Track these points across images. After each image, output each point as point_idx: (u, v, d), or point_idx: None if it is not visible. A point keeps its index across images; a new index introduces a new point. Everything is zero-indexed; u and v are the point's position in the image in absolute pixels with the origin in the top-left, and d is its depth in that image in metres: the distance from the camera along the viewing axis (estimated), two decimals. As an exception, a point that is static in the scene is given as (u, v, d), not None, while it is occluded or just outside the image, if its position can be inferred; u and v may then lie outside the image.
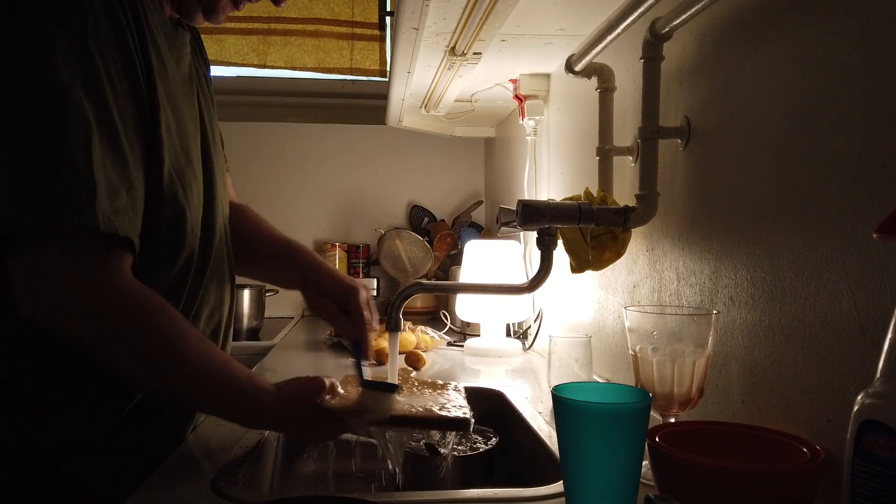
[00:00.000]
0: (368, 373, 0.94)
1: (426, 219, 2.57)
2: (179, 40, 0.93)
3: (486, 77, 1.68)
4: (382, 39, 2.49)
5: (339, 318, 1.04)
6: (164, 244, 0.85)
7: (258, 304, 2.22)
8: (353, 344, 1.04)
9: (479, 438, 1.09)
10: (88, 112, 0.73)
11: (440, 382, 1.02)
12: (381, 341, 1.65)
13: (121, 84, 0.77)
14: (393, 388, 0.90)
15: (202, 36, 1.09)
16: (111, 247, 0.76)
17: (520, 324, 1.85)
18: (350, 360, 1.06)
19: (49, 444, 0.81)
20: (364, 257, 2.51)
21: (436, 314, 2.18)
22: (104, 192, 0.73)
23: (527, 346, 1.73)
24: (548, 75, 1.67)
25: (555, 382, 0.79)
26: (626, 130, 1.17)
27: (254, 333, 2.18)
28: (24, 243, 0.73)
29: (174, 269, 0.86)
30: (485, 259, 1.78)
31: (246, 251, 1.10)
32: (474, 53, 1.38)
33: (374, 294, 2.46)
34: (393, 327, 1.02)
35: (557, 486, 0.77)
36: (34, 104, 0.72)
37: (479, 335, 1.76)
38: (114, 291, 0.76)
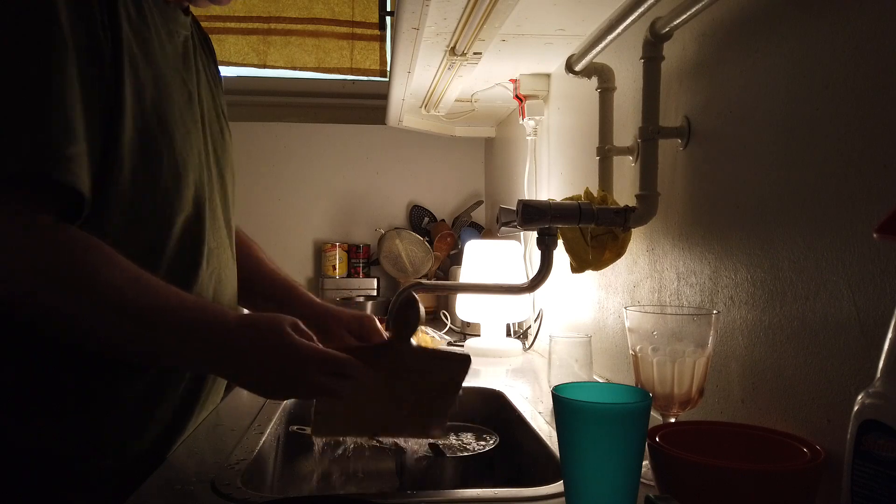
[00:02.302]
0: None
1: (426, 219, 2.57)
2: (172, 17, 0.92)
3: (486, 77, 1.68)
4: (382, 39, 2.49)
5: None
6: (121, 216, 0.81)
7: (258, 303, 2.22)
8: None
9: (477, 439, 1.09)
10: (43, 61, 0.71)
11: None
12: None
13: (80, 39, 0.75)
14: (466, 360, 0.87)
15: (201, 36, 1.09)
16: (52, 195, 0.73)
17: (520, 324, 1.85)
18: None
19: (51, 447, 0.81)
20: (364, 257, 2.51)
21: (436, 314, 2.18)
22: (51, 138, 0.71)
23: (527, 346, 1.73)
24: (548, 75, 1.67)
25: (555, 382, 0.79)
26: (626, 130, 1.17)
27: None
28: None
29: (138, 248, 0.82)
30: (485, 259, 1.78)
31: (246, 290, 1.09)
32: (474, 53, 1.38)
33: (374, 294, 2.47)
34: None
35: (557, 486, 0.77)
36: None
37: (479, 335, 1.76)
38: (43, 235, 0.72)
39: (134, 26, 0.82)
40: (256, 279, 1.11)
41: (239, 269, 1.06)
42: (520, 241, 1.84)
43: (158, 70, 0.86)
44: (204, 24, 1.11)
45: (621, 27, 1.04)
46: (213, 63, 1.08)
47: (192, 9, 1.00)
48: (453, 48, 1.37)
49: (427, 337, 1.75)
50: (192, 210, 0.89)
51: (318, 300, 1.11)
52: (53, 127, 0.71)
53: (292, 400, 1.15)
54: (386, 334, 1.03)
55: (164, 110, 0.85)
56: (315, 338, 0.79)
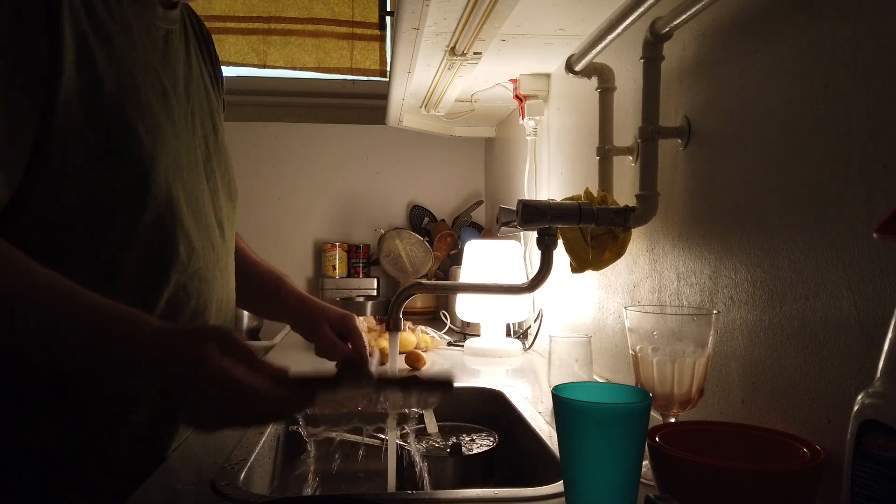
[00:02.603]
0: None
1: (426, 219, 2.57)
2: (150, 11, 0.90)
3: (486, 77, 1.68)
4: (382, 39, 2.49)
5: (339, 343, 1.02)
6: (71, 215, 0.78)
7: (258, 303, 2.22)
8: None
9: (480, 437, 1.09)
10: None
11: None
12: (382, 341, 1.65)
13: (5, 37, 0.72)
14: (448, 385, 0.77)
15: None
16: None
17: (520, 324, 1.85)
18: None
19: (51, 447, 0.81)
20: (364, 257, 2.51)
21: (436, 314, 2.18)
22: None
23: (527, 346, 1.73)
24: (548, 75, 1.67)
25: (555, 382, 0.79)
26: (626, 130, 1.17)
27: (253, 333, 2.18)
28: None
29: (99, 246, 0.80)
30: (485, 259, 1.78)
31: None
32: (474, 53, 1.38)
33: (374, 294, 2.47)
34: (393, 327, 1.02)
35: (557, 486, 0.77)
36: None
37: (479, 335, 1.76)
38: None
39: (94, 21, 0.80)
40: (241, 272, 1.08)
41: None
42: (520, 241, 1.84)
43: (124, 65, 0.83)
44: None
45: (621, 27, 1.04)
46: (213, 62, 1.07)
47: (193, 6, 1.00)
48: (453, 48, 1.37)
49: (427, 337, 1.75)
50: (163, 209, 0.86)
51: (306, 294, 1.10)
52: None
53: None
54: (367, 337, 1.01)
55: (127, 106, 0.83)
56: (250, 350, 0.69)
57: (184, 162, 0.91)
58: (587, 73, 1.20)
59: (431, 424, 1.15)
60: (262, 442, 0.95)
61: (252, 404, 0.66)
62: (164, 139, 0.87)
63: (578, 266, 1.16)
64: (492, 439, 1.09)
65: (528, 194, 1.75)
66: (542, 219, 1.01)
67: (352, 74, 2.51)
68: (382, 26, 2.46)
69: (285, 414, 0.71)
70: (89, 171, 0.79)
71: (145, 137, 0.84)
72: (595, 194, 1.17)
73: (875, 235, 0.50)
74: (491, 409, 1.23)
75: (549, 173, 1.68)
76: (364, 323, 1.79)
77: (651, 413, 0.64)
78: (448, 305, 2.08)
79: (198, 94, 0.98)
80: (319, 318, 1.04)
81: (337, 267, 2.47)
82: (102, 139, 0.80)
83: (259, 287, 1.11)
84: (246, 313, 2.15)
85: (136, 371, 0.70)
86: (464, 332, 1.97)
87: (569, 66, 1.22)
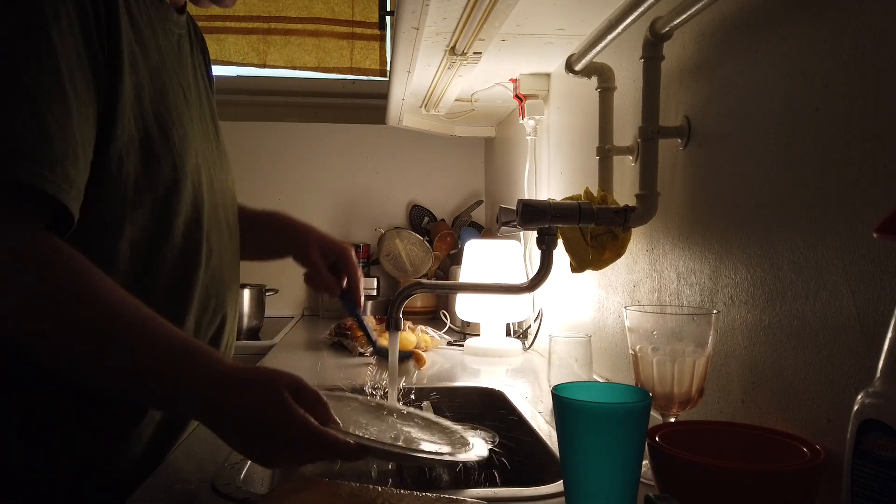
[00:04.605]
0: (372, 325, 0.94)
1: (426, 218, 2.57)
2: (167, 16, 0.91)
3: (486, 77, 1.68)
4: (382, 39, 2.49)
5: (329, 275, 1.10)
6: (125, 221, 0.79)
7: (258, 303, 2.22)
8: (346, 299, 1.11)
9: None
10: (29, 68, 0.68)
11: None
12: (382, 341, 1.65)
13: (73, 41, 0.72)
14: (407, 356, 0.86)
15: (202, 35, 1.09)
16: (37, 205, 0.69)
17: (520, 323, 1.85)
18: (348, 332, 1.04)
19: (51, 449, 0.81)
20: (364, 257, 2.51)
21: (436, 314, 2.18)
22: (32, 149, 0.67)
23: (527, 346, 1.73)
24: (548, 75, 1.67)
25: (555, 382, 0.79)
26: (626, 130, 1.17)
27: (254, 333, 2.18)
28: None
29: (140, 252, 0.81)
30: (485, 259, 1.78)
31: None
32: (474, 53, 1.38)
33: (374, 294, 2.46)
34: (393, 327, 1.02)
35: (557, 486, 0.77)
36: None
37: (479, 335, 1.76)
38: (25, 250, 0.68)
39: (135, 25, 0.82)
40: (240, 215, 1.10)
41: None
42: (520, 241, 1.84)
43: (156, 70, 0.84)
44: (204, 24, 1.11)
45: (621, 27, 1.04)
46: (206, 63, 1.07)
47: (191, 8, 1.00)
48: (453, 48, 1.37)
49: (427, 337, 1.75)
50: (190, 212, 0.88)
51: (302, 222, 1.15)
52: (56, 143, 0.69)
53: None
54: (361, 273, 1.10)
55: (162, 112, 0.84)
56: (319, 398, 0.71)
57: (203, 165, 0.93)
58: (587, 72, 1.20)
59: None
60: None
61: (315, 452, 0.68)
62: (190, 143, 0.89)
63: (578, 266, 1.16)
64: (492, 439, 1.09)
65: (528, 194, 1.75)
66: (541, 218, 1.01)
67: (352, 74, 2.51)
68: (382, 26, 2.45)
69: (335, 460, 0.71)
70: (136, 179, 0.80)
71: (178, 143, 0.86)
72: (595, 194, 1.17)
73: (875, 235, 0.50)
74: (491, 409, 1.23)
75: (549, 173, 1.68)
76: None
77: (651, 413, 0.64)
78: (448, 305, 2.08)
79: (203, 96, 0.99)
80: (312, 243, 1.10)
81: (337, 267, 2.47)
82: (147, 145, 0.81)
83: (255, 224, 1.15)
84: (246, 313, 2.16)
85: (197, 406, 0.71)
86: (464, 331, 1.97)
87: (569, 66, 1.22)
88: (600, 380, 1.26)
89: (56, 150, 0.68)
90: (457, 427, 0.90)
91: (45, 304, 0.67)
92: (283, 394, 0.67)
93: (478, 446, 0.82)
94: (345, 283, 1.13)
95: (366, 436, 0.74)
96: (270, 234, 1.15)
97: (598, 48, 1.13)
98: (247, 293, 2.16)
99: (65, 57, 0.71)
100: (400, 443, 0.82)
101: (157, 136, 0.83)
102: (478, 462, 0.80)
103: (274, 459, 0.72)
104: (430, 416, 0.96)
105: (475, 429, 0.93)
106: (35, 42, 0.69)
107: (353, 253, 1.13)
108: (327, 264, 1.11)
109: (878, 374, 0.51)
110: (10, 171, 0.65)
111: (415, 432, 0.88)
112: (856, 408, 0.51)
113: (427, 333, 1.76)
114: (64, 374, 0.73)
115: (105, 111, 0.76)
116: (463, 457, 0.77)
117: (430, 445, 0.82)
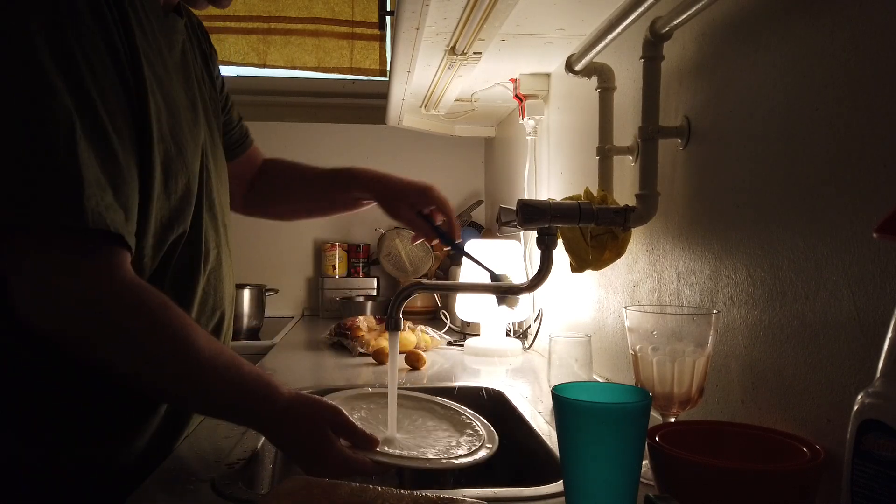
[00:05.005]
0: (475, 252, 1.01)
1: (426, 218, 2.57)
2: (170, 26, 0.91)
3: (486, 77, 1.68)
4: (382, 39, 2.49)
5: (418, 220, 1.14)
6: (151, 237, 0.82)
7: (258, 303, 2.22)
8: (443, 237, 1.13)
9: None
10: (70, 104, 0.69)
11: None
12: (382, 341, 1.65)
13: (103, 71, 0.74)
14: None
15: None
16: (104, 244, 0.73)
17: (520, 323, 1.85)
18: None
19: (51, 448, 0.81)
20: (364, 257, 2.51)
21: (436, 314, 2.18)
22: (92, 187, 0.70)
23: (527, 346, 1.73)
24: (548, 75, 1.67)
25: (555, 382, 0.79)
26: (626, 130, 1.17)
27: (254, 333, 2.18)
28: (10, 243, 0.70)
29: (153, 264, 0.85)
30: (485, 259, 1.77)
31: (297, 184, 1.18)
32: (474, 53, 1.38)
33: (374, 294, 2.47)
34: (393, 327, 1.02)
35: (557, 486, 0.77)
36: (12, 98, 0.68)
37: (479, 335, 1.76)
38: (108, 289, 0.73)
39: (148, 43, 0.82)
40: (309, 172, 1.22)
41: (286, 173, 1.20)
42: (520, 241, 1.84)
43: (166, 87, 0.85)
44: (204, 24, 1.11)
45: (621, 27, 1.04)
46: (207, 55, 1.07)
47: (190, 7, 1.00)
48: (453, 48, 1.37)
49: (427, 337, 1.75)
50: (195, 216, 0.90)
51: (381, 173, 1.17)
52: (115, 179, 0.73)
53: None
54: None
55: (176, 128, 0.85)
56: (355, 430, 0.82)
57: (205, 174, 0.94)
58: (587, 72, 1.20)
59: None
60: (262, 441, 0.95)
61: (348, 474, 0.80)
62: (197, 152, 0.91)
63: (578, 266, 1.16)
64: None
65: (528, 194, 1.75)
66: (541, 218, 1.01)
67: (352, 74, 2.51)
68: (382, 26, 2.45)
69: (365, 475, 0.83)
70: (157, 196, 0.82)
71: (190, 158, 0.88)
72: (595, 194, 1.17)
73: (875, 235, 0.50)
74: (491, 408, 1.23)
75: (549, 173, 1.68)
76: (364, 322, 1.79)
77: (651, 413, 0.64)
78: (448, 305, 2.08)
79: (206, 100, 1.00)
80: (399, 199, 1.14)
81: (337, 266, 2.47)
82: (167, 165, 0.83)
83: (330, 180, 1.20)
84: (246, 313, 2.15)
85: (258, 430, 0.85)
86: (464, 331, 1.97)
87: (569, 66, 1.22)
88: (600, 380, 1.26)
89: (111, 185, 0.73)
90: (468, 413, 1.01)
91: (144, 352, 0.76)
92: (325, 430, 0.80)
93: (488, 437, 0.93)
94: (438, 220, 1.15)
95: (386, 449, 0.86)
96: (345, 188, 1.19)
97: (598, 48, 1.13)
98: (247, 293, 2.16)
99: (101, 97, 0.73)
100: (418, 437, 0.94)
101: (175, 155, 0.85)
102: (489, 458, 0.88)
103: (318, 475, 0.82)
104: (446, 402, 1.06)
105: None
106: (75, 93, 0.71)
107: (437, 190, 1.14)
108: (417, 211, 1.14)
109: (878, 374, 0.51)
110: (76, 214, 0.69)
111: (431, 422, 1.00)
112: (856, 408, 0.51)
113: (427, 333, 1.76)
114: (131, 386, 0.81)
115: (139, 136, 0.79)
116: (472, 459, 0.88)
117: (445, 441, 0.93)
